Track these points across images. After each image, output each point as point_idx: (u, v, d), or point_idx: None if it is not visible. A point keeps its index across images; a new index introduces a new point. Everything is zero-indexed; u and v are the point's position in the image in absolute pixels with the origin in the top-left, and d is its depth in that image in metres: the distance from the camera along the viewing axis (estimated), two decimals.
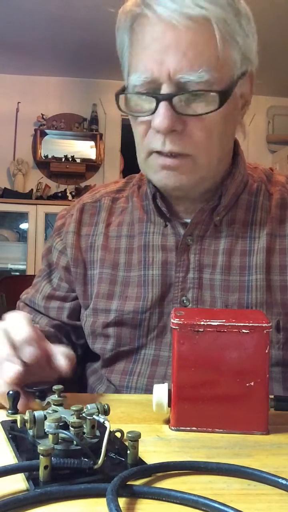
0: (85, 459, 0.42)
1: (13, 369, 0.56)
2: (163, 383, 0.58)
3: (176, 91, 0.69)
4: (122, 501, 0.38)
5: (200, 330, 0.54)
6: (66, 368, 0.62)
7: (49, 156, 4.70)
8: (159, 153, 0.73)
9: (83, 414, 0.46)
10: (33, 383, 0.58)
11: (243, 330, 0.53)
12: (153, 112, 0.70)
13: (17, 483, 0.41)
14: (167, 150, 0.72)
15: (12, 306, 0.96)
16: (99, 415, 0.46)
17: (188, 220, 0.80)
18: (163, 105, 0.69)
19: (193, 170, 0.74)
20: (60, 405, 0.51)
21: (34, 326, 0.63)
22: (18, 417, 0.47)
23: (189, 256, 0.80)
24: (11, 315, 0.66)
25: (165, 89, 0.70)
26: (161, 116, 0.69)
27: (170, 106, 0.69)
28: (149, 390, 0.72)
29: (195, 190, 0.78)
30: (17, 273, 4.31)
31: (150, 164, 0.76)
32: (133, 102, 0.75)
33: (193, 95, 0.70)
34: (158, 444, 0.51)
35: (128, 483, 0.40)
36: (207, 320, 0.54)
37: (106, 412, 0.49)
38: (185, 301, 0.79)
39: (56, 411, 0.49)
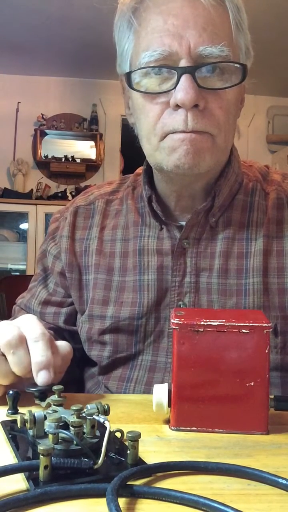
0: (85, 459, 0.42)
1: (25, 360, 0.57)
2: None
3: (196, 65, 0.67)
4: (122, 501, 0.38)
5: (200, 330, 0.54)
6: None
7: (49, 156, 4.71)
8: (178, 133, 0.69)
9: (83, 414, 0.46)
10: (33, 383, 0.58)
11: (243, 330, 0.53)
12: (174, 88, 0.68)
13: (17, 483, 0.41)
14: (190, 129, 0.68)
15: (12, 306, 0.96)
16: (99, 415, 0.46)
17: (184, 223, 0.79)
18: (186, 77, 0.66)
19: (212, 149, 0.71)
20: (60, 405, 0.51)
21: (54, 343, 0.62)
22: (18, 417, 0.47)
23: (185, 260, 0.78)
24: (25, 316, 0.64)
25: (183, 64, 0.67)
26: (186, 88, 0.66)
27: (192, 78, 0.66)
28: None
29: (202, 179, 0.76)
30: (17, 273, 4.32)
31: (166, 145, 0.71)
32: (143, 84, 0.70)
33: (213, 70, 0.68)
34: (158, 444, 0.51)
35: (128, 483, 0.40)
36: (207, 320, 0.54)
37: (106, 412, 0.49)
38: (181, 306, 0.77)
39: (56, 411, 0.49)
